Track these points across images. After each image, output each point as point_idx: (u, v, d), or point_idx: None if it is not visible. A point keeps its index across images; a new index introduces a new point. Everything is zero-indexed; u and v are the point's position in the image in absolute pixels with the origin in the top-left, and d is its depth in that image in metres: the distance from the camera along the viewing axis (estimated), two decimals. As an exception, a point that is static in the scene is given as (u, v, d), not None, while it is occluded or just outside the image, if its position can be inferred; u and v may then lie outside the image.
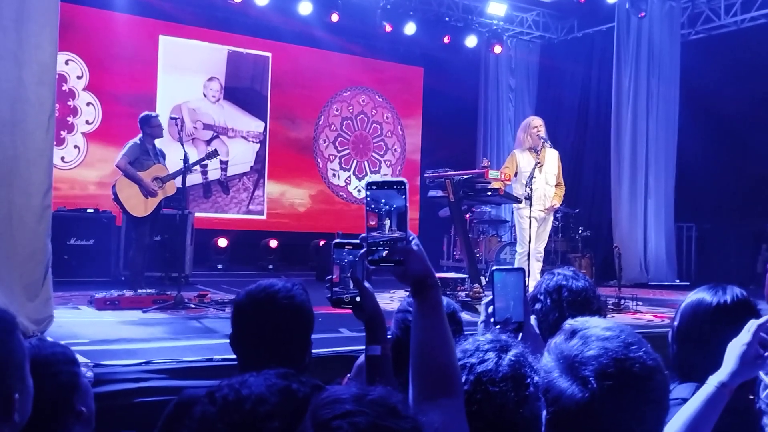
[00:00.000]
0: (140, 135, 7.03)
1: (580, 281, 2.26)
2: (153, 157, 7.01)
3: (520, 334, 1.81)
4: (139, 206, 6.85)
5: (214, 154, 7.41)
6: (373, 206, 1.43)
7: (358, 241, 1.68)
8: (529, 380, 1.46)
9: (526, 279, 6.15)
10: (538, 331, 1.91)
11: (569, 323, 1.38)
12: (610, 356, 1.26)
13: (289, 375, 1.23)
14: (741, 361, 1.57)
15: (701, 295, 2.04)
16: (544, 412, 1.32)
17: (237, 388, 1.17)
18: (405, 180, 1.45)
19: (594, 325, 1.35)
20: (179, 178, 6.75)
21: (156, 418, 2.11)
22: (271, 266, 10.70)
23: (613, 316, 6.61)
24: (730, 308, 1.96)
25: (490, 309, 1.83)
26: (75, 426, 1.81)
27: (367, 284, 1.79)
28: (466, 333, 1.98)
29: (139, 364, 3.72)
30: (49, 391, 1.75)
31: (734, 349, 1.63)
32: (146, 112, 7.29)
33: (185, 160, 6.61)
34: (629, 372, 1.25)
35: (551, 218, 7.50)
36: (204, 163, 8.01)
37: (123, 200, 6.84)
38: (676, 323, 2.06)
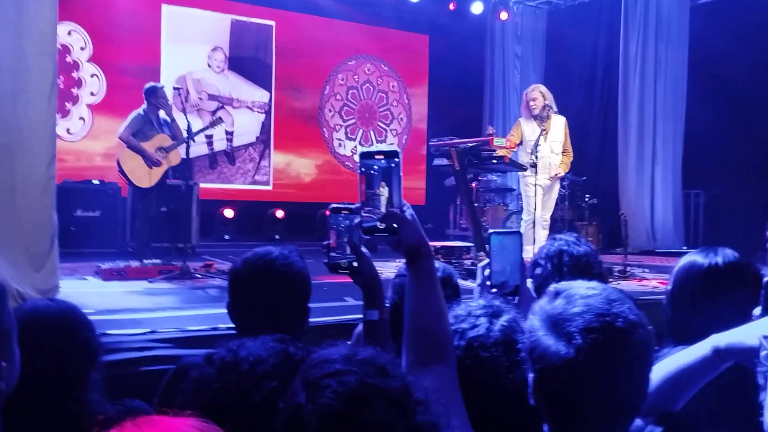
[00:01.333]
0: (144, 105, 7.02)
1: (581, 246, 2.25)
2: (157, 128, 7.00)
3: (516, 298, 1.80)
4: (144, 177, 6.87)
5: (218, 121, 7.40)
6: (366, 176, 1.44)
7: (354, 206, 1.68)
8: (520, 345, 1.46)
9: (532, 246, 6.17)
10: (535, 294, 1.90)
11: (553, 286, 1.39)
12: (594, 312, 1.27)
13: (286, 339, 1.24)
14: (743, 350, 1.42)
15: (693, 258, 2.04)
16: (531, 374, 1.32)
17: (235, 350, 1.18)
18: (398, 149, 1.46)
19: (577, 286, 1.35)
20: (184, 148, 6.75)
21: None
22: (277, 236, 10.72)
23: (619, 284, 6.61)
24: (721, 270, 1.95)
25: (487, 272, 1.82)
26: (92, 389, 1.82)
27: (363, 249, 1.79)
28: (464, 299, 1.98)
29: (145, 334, 3.75)
30: (79, 355, 1.77)
31: (752, 329, 1.43)
32: (152, 83, 7.25)
33: (188, 130, 6.61)
34: (612, 326, 1.25)
35: (557, 186, 7.47)
36: (209, 133, 8.00)
37: (127, 172, 6.87)
38: (669, 287, 2.06)
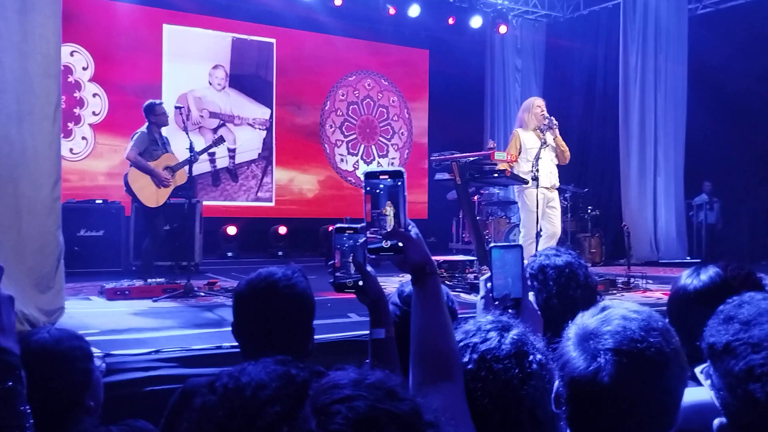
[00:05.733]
0: (146, 124, 7.00)
1: (562, 256, 2.24)
2: (161, 146, 6.97)
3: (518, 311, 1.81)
4: (152, 197, 6.81)
5: (220, 140, 7.39)
6: (372, 195, 1.46)
7: (359, 226, 1.70)
8: (531, 357, 1.47)
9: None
10: (537, 307, 1.90)
11: (603, 303, 1.39)
12: (627, 336, 1.26)
13: (287, 361, 1.24)
14: None
15: (680, 284, 2.04)
16: (557, 382, 1.33)
17: (236, 375, 1.18)
18: (402, 169, 1.48)
19: (624, 306, 1.35)
20: (188, 167, 6.76)
21: (166, 407, 2.12)
22: (280, 253, 10.73)
23: (623, 295, 6.60)
24: (708, 291, 1.93)
25: (489, 285, 1.83)
26: (84, 419, 1.84)
27: (369, 268, 1.80)
28: (461, 315, 1.99)
29: (149, 353, 3.74)
30: (63, 389, 1.78)
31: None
32: (150, 100, 7.23)
33: (191, 148, 6.59)
34: (642, 354, 1.24)
35: (557, 196, 7.29)
36: (212, 151, 7.99)
37: (136, 191, 6.80)
38: (667, 318, 2.05)
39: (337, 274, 1.82)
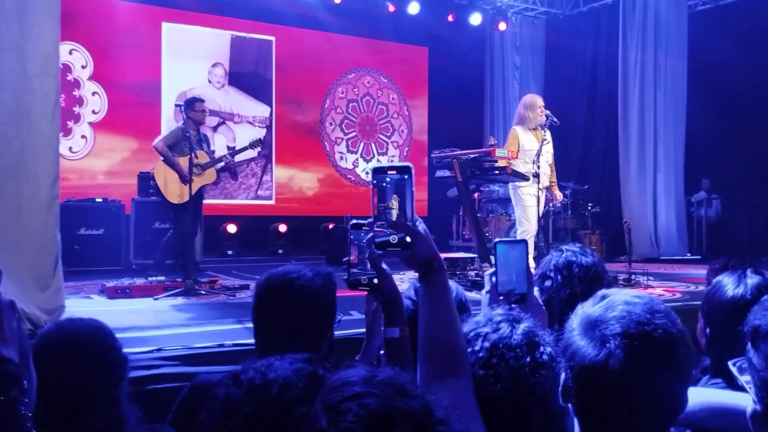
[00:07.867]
0: (183, 120, 6.82)
1: (588, 257, 2.25)
2: (194, 144, 6.71)
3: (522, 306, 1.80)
4: (176, 192, 6.67)
5: (257, 143, 7.26)
6: (379, 189, 1.44)
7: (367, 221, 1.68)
8: (542, 349, 1.46)
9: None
10: (544, 306, 1.89)
11: (602, 292, 1.38)
12: (633, 319, 1.26)
13: (313, 360, 1.23)
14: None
15: (727, 294, 1.97)
16: (563, 374, 1.32)
17: (263, 371, 1.17)
18: (410, 165, 1.46)
19: (624, 293, 1.35)
20: (219, 167, 6.79)
21: (169, 405, 2.12)
22: (281, 251, 10.73)
23: (624, 292, 6.57)
24: (752, 302, 1.90)
25: (494, 280, 1.82)
26: (121, 411, 1.84)
27: (384, 266, 1.77)
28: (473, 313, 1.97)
29: (151, 351, 3.73)
30: (99, 379, 1.80)
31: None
32: (190, 96, 7.14)
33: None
34: (650, 336, 1.24)
35: (542, 195, 7.24)
36: (214, 149, 7.91)
37: (160, 185, 6.71)
38: (706, 329, 2.01)
39: (353, 270, 1.78)
